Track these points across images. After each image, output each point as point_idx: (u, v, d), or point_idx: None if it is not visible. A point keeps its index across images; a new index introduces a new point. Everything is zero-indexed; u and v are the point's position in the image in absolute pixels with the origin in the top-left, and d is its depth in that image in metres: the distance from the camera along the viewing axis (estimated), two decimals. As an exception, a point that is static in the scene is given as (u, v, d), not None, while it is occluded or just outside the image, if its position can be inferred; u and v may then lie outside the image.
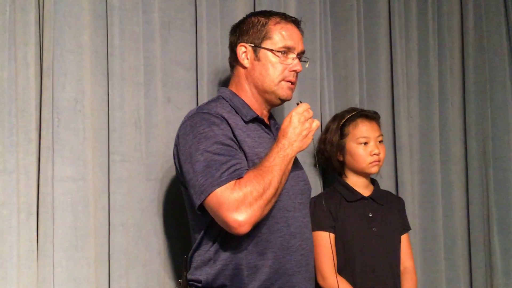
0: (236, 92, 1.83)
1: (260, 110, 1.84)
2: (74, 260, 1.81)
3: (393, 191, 2.53)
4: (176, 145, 1.71)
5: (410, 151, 2.60)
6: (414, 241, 2.54)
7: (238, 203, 1.55)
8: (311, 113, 1.72)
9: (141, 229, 1.94)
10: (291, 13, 2.31)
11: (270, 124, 1.88)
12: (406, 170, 2.56)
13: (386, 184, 2.50)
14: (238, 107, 1.78)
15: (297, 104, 1.73)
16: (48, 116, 1.80)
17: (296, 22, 1.86)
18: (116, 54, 1.94)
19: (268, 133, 1.82)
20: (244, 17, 1.89)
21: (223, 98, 1.81)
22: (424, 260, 2.60)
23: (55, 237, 1.78)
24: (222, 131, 1.65)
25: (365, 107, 2.44)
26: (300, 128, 1.68)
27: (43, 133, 1.80)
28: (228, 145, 1.63)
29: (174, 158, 1.74)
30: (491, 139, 2.78)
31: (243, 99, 1.81)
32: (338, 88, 2.48)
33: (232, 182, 1.57)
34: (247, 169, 1.63)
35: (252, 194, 1.56)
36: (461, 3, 2.84)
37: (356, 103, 2.45)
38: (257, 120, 1.80)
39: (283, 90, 1.80)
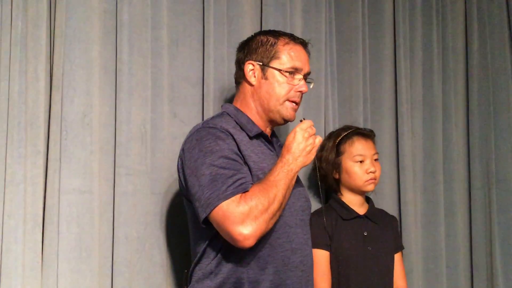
0: (241, 109, 1.85)
1: (264, 127, 1.86)
2: (78, 271, 1.83)
3: (396, 210, 2.53)
4: (181, 159, 1.73)
5: (414, 171, 2.61)
6: (416, 260, 2.54)
7: (243, 217, 1.56)
8: (314, 129, 1.75)
9: (144, 242, 1.96)
10: (297, 32, 2.35)
11: (272, 141, 1.90)
12: (409, 189, 2.57)
13: (389, 203, 2.51)
14: (243, 123, 1.80)
15: (301, 120, 1.76)
16: (57, 129, 1.84)
17: (304, 44, 1.89)
18: (124, 70, 1.98)
19: (271, 150, 1.84)
20: (252, 35, 1.92)
21: (228, 114, 1.83)
22: (426, 280, 2.59)
23: (60, 248, 1.81)
24: (228, 145, 1.67)
25: (369, 126, 2.46)
26: (304, 144, 1.71)
27: (51, 145, 1.84)
28: (234, 160, 1.65)
29: (178, 172, 1.76)
30: (494, 160, 2.79)
31: (248, 116, 1.83)
32: (342, 107, 2.50)
33: (238, 196, 1.58)
34: (252, 183, 1.65)
35: (258, 207, 1.58)
36: (465, 24, 2.86)
37: (360, 122, 2.47)
38: (261, 136, 1.82)
39: (287, 110, 1.83)
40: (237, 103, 1.88)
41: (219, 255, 1.68)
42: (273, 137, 1.93)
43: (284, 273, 1.70)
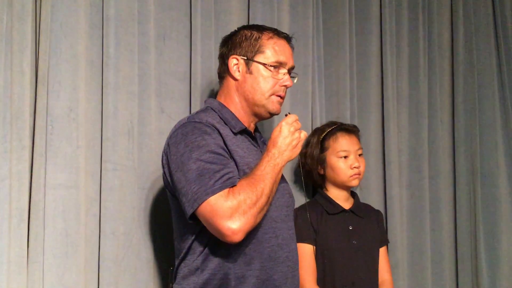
0: (225, 104, 1.84)
1: (248, 122, 1.86)
2: (64, 267, 1.82)
3: (381, 205, 2.55)
4: (166, 154, 1.72)
5: (399, 166, 2.63)
6: (401, 255, 2.56)
7: (231, 211, 1.56)
8: (299, 124, 1.75)
9: (131, 237, 1.96)
10: (285, 28, 2.35)
11: (256, 136, 1.90)
12: (395, 185, 2.59)
13: (375, 198, 2.53)
14: (227, 118, 1.80)
15: (286, 115, 1.76)
16: (42, 124, 1.82)
17: (288, 38, 1.89)
18: (111, 64, 1.97)
19: (254, 146, 1.84)
20: (236, 30, 1.91)
21: (212, 109, 1.82)
22: (411, 274, 2.61)
23: (46, 244, 1.79)
24: (214, 140, 1.67)
25: (356, 122, 2.47)
26: (290, 138, 1.71)
27: (36, 140, 1.82)
28: (220, 154, 1.65)
29: (163, 167, 1.75)
30: (479, 156, 2.82)
31: (232, 111, 1.83)
32: (329, 102, 2.51)
33: (226, 190, 1.58)
34: (239, 178, 1.65)
35: (246, 202, 1.58)
36: (451, 21, 2.89)
37: (346, 117, 2.48)
38: (245, 132, 1.82)
39: (273, 104, 1.83)
40: (221, 98, 1.87)
41: (205, 250, 1.68)
42: (256, 133, 1.93)
43: (270, 268, 1.70)
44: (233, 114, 1.82)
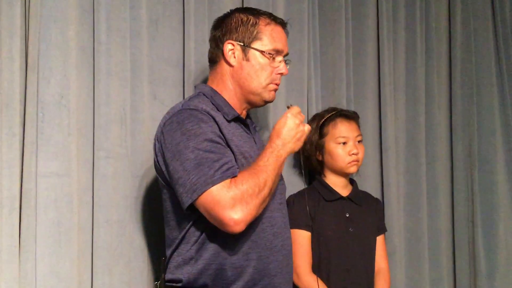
0: (217, 90, 1.80)
1: (240, 109, 1.82)
2: (57, 256, 1.80)
3: (379, 192, 2.54)
4: (160, 141, 1.68)
5: (397, 152, 2.62)
6: (399, 241, 2.55)
7: (234, 202, 1.54)
8: (303, 116, 1.74)
9: (125, 226, 1.94)
10: (279, 12, 2.32)
11: (248, 123, 1.86)
12: (392, 171, 2.57)
13: (372, 185, 2.51)
14: (220, 105, 1.76)
15: (288, 107, 1.74)
16: (33, 111, 1.79)
17: (283, 24, 1.85)
18: (102, 50, 1.93)
19: (247, 133, 1.81)
20: (229, 12, 1.86)
21: (204, 94, 1.78)
22: (408, 260, 2.61)
23: (38, 233, 1.77)
24: (211, 128, 1.63)
25: (352, 108, 2.45)
26: (295, 131, 1.70)
27: (27, 128, 1.79)
28: (218, 143, 1.62)
29: (155, 155, 1.71)
30: (476, 141, 2.81)
31: (224, 97, 1.79)
32: (325, 88, 2.48)
33: (228, 181, 1.56)
34: (238, 168, 1.62)
35: (248, 192, 1.56)
36: (449, 5, 2.86)
37: (343, 104, 2.45)
38: (238, 119, 1.79)
39: (269, 92, 1.80)
40: (213, 84, 1.82)
41: (199, 240, 1.65)
42: (248, 119, 1.89)
43: (267, 257, 1.68)
44: (225, 100, 1.78)
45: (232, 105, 1.79)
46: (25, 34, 1.82)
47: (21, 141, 1.78)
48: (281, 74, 1.81)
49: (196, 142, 1.59)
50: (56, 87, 1.84)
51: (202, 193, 1.55)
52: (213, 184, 1.54)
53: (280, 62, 1.80)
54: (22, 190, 1.77)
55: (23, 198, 1.77)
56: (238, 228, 1.55)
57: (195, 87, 1.86)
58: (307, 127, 1.74)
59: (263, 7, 2.19)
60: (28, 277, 1.75)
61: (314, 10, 2.46)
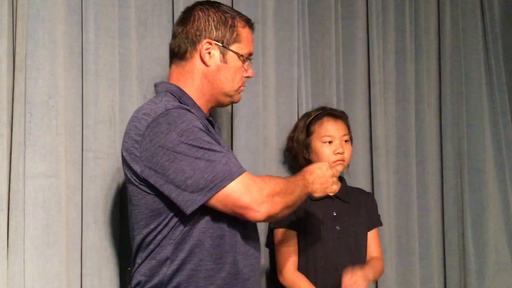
0: (184, 89, 1.71)
1: (206, 109, 1.77)
2: (46, 257, 1.78)
3: (369, 190, 2.53)
4: (142, 146, 1.57)
5: (386, 152, 2.62)
6: (389, 240, 2.56)
7: (261, 190, 1.56)
8: (335, 173, 1.87)
9: (114, 226, 1.92)
10: (269, 12, 2.32)
11: (213, 123, 1.81)
12: (382, 170, 2.57)
13: (362, 184, 2.51)
14: (188, 106, 1.66)
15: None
16: (20, 111, 1.78)
17: (253, 26, 1.82)
18: (91, 50, 1.92)
19: (216, 132, 1.77)
20: (194, 6, 1.76)
21: (172, 94, 1.68)
22: (399, 259, 2.62)
23: (26, 234, 1.75)
24: (203, 127, 1.60)
25: (342, 108, 2.45)
26: (325, 178, 1.78)
27: (14, 128, 1.77)
28: (216, 140, 1.61)
29: (130, 163, 1.60)
30: (466, 140, 2.82)
31: (192, 97, 1.72)
32: (315, 88, 2.48)
33: (249, 174, 1.58)
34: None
35: (276, 190, 1.59)
36: (438, 5, 2.87)
37: (333, 103, 2.45)
38: (207, 120, 1.72)
39: (238, 95, 1.79)
40: (179, 82, 1.72)
41: (177, 240, 1.59)
42: (210, 117, 1.82)
43: (241, 261, 1.65)
44: (194, 101, 1.71)
45: (199, 105, 1.73)
46: (13, 35, 1.81)
47: (8, 141, 1.77)
48: (249, 77, 1.80)
49: (198, 141, 1.55)
50: (44, 87, 1.82)
51: (221, 188, 1.53)
52: (233, 178, 1.54)
53: (248, 65, 1.78)
54: (10, 191, 1.76)
55: (11, 199, 1.76)
56: (259, 215, 1.56)
57: (155, 85, 1.76)
58: (333, 182, 1.83)
59: (252, 6, 2.20)
60: (16, 279, 1.74)
61: (304, 9, 2.46)
